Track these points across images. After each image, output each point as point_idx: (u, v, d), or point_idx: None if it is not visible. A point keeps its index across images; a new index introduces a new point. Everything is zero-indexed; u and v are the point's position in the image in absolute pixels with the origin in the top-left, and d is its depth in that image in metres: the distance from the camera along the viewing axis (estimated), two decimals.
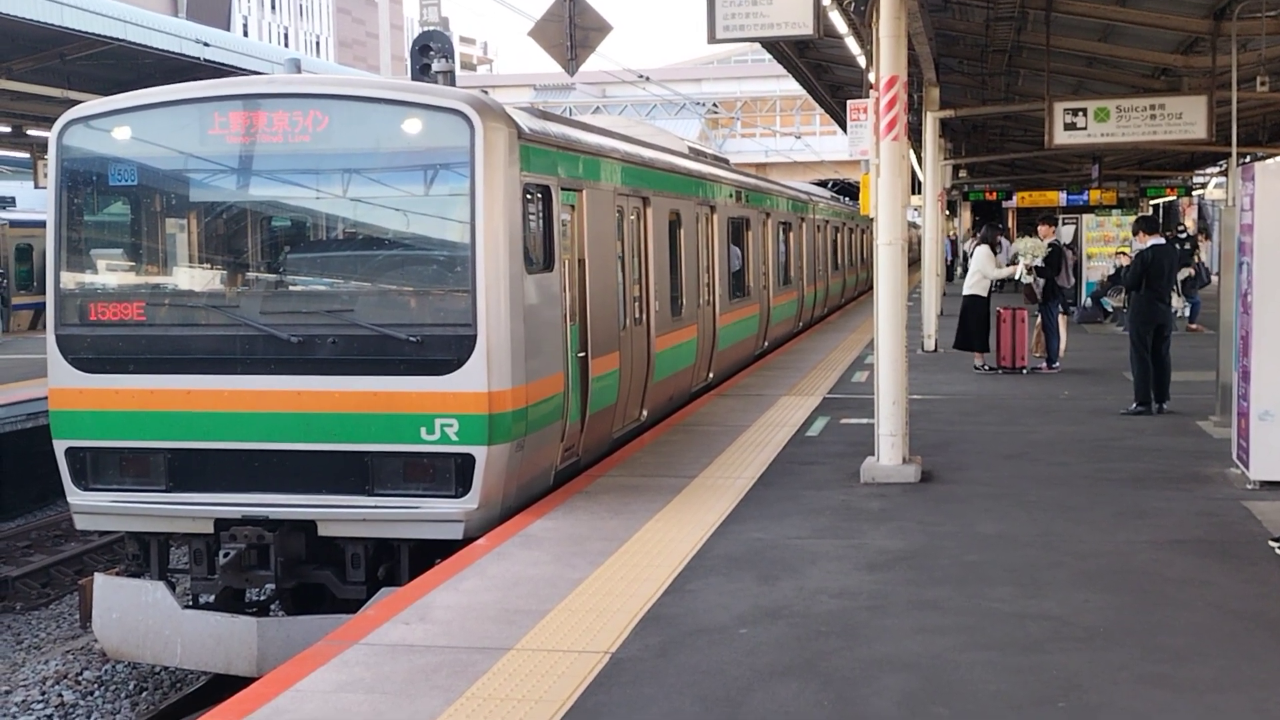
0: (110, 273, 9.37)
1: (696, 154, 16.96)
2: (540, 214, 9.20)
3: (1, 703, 9.41)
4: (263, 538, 8.30)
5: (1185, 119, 17.44)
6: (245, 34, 79.38)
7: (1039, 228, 17.80)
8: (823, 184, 42.23)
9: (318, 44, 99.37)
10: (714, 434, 12.26)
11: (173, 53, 18.43)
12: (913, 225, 38.72)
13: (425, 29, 14.62)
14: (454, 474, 8.30)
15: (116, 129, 8.86)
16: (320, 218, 9.24)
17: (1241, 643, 6.16)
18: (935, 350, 19.98)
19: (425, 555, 8.46)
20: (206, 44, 18.88)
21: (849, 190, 45.28)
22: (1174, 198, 41.15)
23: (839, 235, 31.54)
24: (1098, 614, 6.60)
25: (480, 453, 8.29)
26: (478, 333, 8.31)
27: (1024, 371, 16.99)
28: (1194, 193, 44.34)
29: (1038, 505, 9.14)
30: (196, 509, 8.53)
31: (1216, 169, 38.19)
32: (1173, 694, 5.48)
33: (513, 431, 8.48)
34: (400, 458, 8.36)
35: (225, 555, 8.27)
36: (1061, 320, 17.68)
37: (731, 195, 17.25)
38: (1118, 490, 9.61)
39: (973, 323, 17.22)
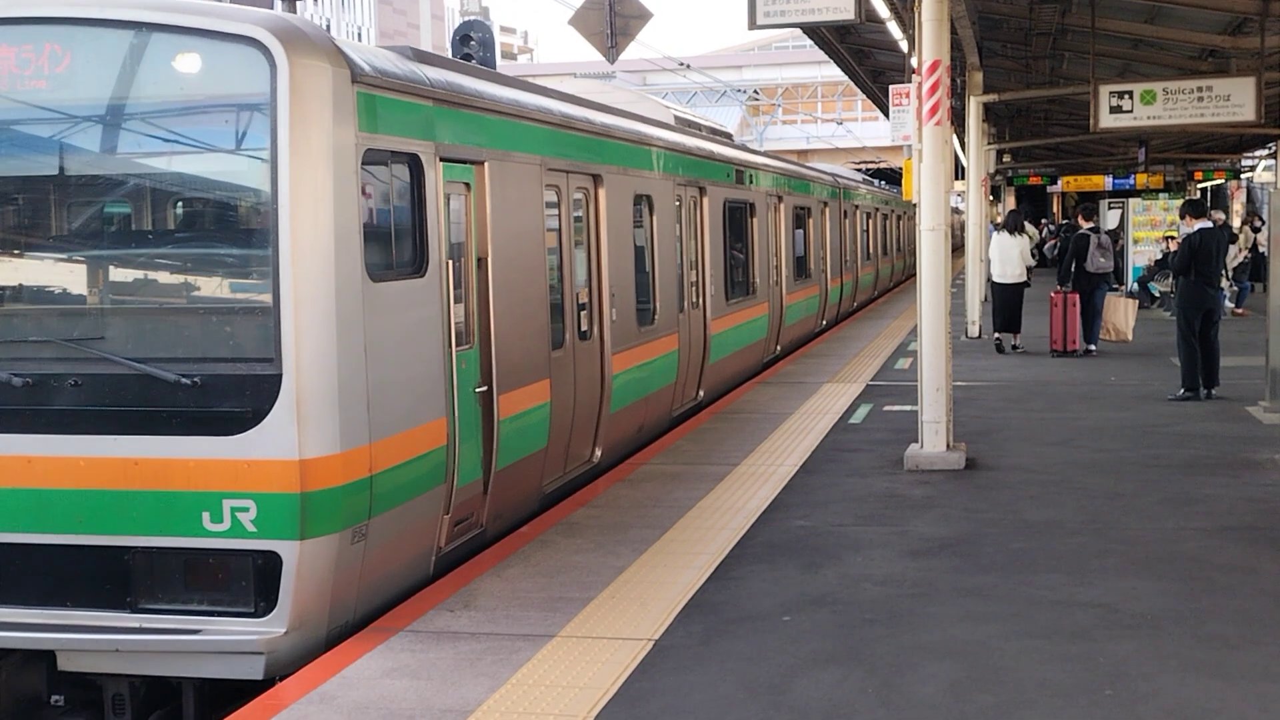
0: None
1: (685, 126, 14.30)
2: (403, 195, 6.76)
3: None
4: None
5: (1233, 101, 17.19)
6: None
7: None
8: (869, 173, 41.98)
9: (359, 35, 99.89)
10: (756, 421, 12.24)
11: None
12: (956, 211, 38.47)
13: (466, 19, 14.66)
14: (251, 582, 5.86)
15: None
16: (56, 202, 6.42)
17: None
18: (979, 337, 19.88)
19: (229, 693, 6.12)
20: None
21: (885, 176, 45.01)
22: (1222, 181, 40.58)
23: (872, 222, 28.90)
24: (1145, 601, 6.54)
25: (289, 550, 5.82)
26: (283, 371, 5.80)
27: (1078, 354, 17.34)
28: (1242, 176, 43.76)
29: (1084, 492, 9.06)
30: None
31: (1265, 151, 37.68)
32: (1222, 682, 5.43)
33: (344, 515, 6.00)
34: (174, 557, 5.90)
35: None
36: (1118, 301, 17.78)
37: (729, 175, 14.62)
38: (1166, 477, 9.51)
39: (1018, 307, 18.13)
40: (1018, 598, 6.65)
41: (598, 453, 9.89)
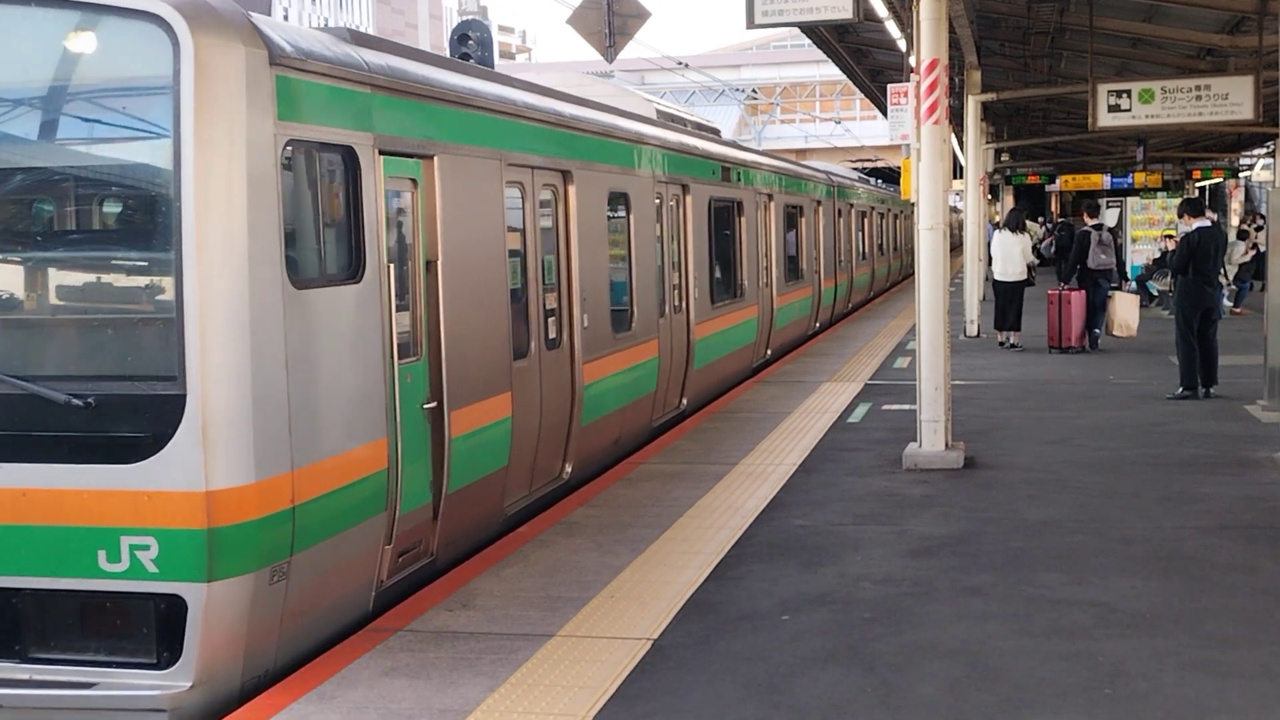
0: None
1: (669, 121, 13.65)
2: (335, 192, 6.12)
3: None
4: None
5: (1231, 100, 17.20)
6: None
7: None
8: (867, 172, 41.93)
9: None
10: (755, 420, 12.23)
11: None
12: (954, 210, 38.46)
13: (464, 18, 14.65)
14: (153, 629, 5.26)
15: None
16: None
17: None
18: (978, 335, 19.89)
19: None
20: None
21: (883, 175, 45.00)
22: (1220, 180, 40.59)
23: (868, 221, 28.23)
24: (1144, 600, 6.54)
25: (195, 593, 5.21)
26: (187, 391, 5.20)
27: (1082, 349, 17.64)
28: (1241, 174, 43.77)
29: (1083, 491, 9.06)
30: None
31: (1264, 150, 37.69)
32: (1220, 680, 5.43)
33: (260, 553, 5.37)
34: (68, 601, 5.29)
35: None
36: (1126, 297, 18.15)
37: (715, 173, 14.00)
38: (1164, 476, 9.51)
39: (1019, 305, 18.44)
40: (1017, 597, 6.65)
41: (568, 468, 9.22)
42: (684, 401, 12.57)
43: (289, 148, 5.64)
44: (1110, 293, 17.88)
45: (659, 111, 13.68)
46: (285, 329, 5.51)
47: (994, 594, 6.71)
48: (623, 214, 10.66)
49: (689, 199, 12.72)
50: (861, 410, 12.87)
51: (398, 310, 6.54)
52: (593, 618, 6.41)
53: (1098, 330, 17.89)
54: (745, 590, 6.84)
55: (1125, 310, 17.68)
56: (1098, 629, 6.11)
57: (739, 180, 15.14)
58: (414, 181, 6.83)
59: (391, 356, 6.39)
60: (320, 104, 5.91)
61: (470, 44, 13.19)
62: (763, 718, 5.14)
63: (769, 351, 17.04)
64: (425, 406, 6.83)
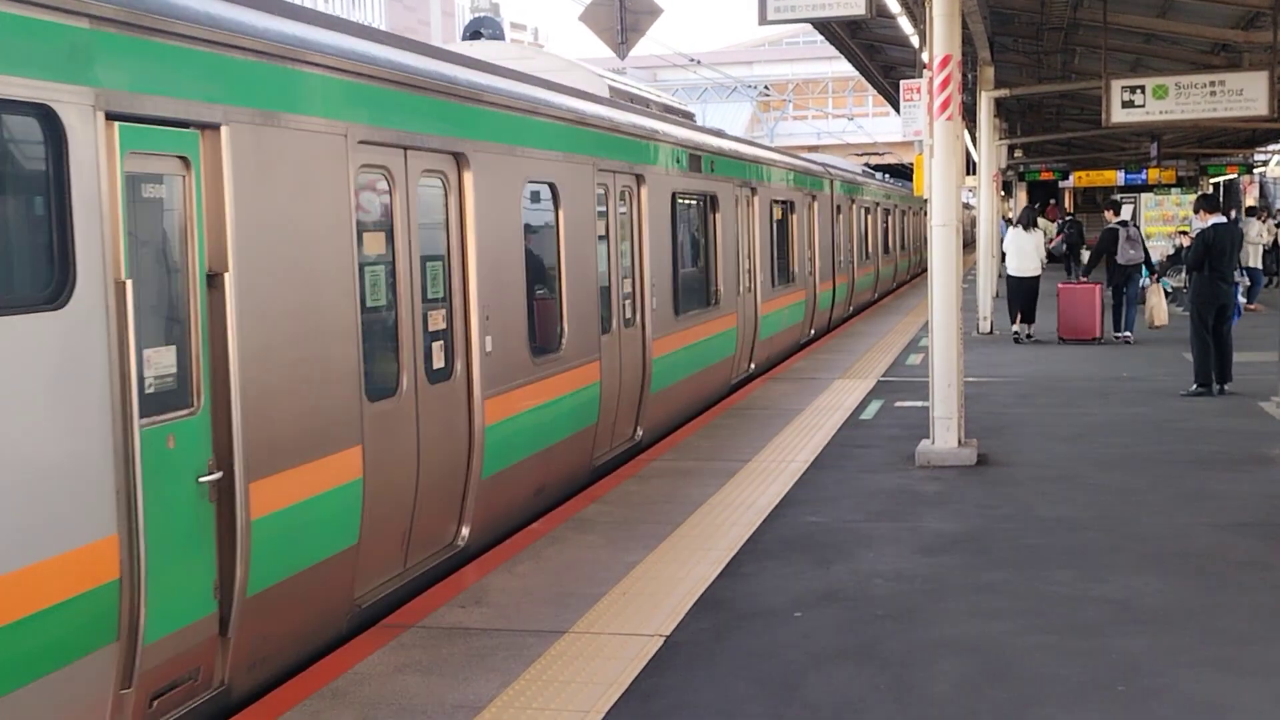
0: None
1: (625, 100, 11.83)
2: (18, 173, 4.33)
3: None
4: None
5: (1246, 95, 17.16)
6: None
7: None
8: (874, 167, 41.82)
9: None
10: (767, 417, 12.23)
11: None
12: (966, 207, 38.35)
13: (476, 15, 14.67)
14: None
15: None
16: None
17: None
18: (990, 332, 19.88)
19: None
20: None
21: (895, 171, 44.88)
22: (1235, 176, 40.47)
23: (871, 217, 26.60)
24: (1158, 597, 6.52)
25: None
26: None
27: (1115, 341, 18.37)
28: (1255, 170, 43.61)
29: (1096, 488, 9.04)
30: None
31: (1278, 146, 37.55)
32: (1235, 678, 5.41)
33: None
34: None
35: None
36: (1152, 290, 18.53)
37: (681, 161, 12.11)
38: (1178, 473, 9.49)
39: (1034, 299, 18.93)
40: (1030, 594, 6.64)
41: (463, 532, 7.43)
42: (639, 432, 10.77)
43: None
44: (1143, 285, 18.53)
45: (612, 89, 11.84)
46: None
47: (1007, 591, 6.70)
48: (549, 208, 8.90)
49: (644, 191, 10.92)
50: (874, 407, 12.86)
51: (153, 345, 4.83)
52: (605, 614, 6.42)
53: (1130, 332, 18.38)
54: (758, 587, 6.84)
55: (1158, 301, 18.14)
56: (1111, 626, 6.10)
57: (713, 170, 13.30)
58: (185, 162, 5.01)
59: (127, 412, 4.55)
60: None
61: (482, 40, 13.21)
62: (775, 714, 5.14)
63: (752, 365, 15.27)
64: (203, 480, 5.04)
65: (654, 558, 7.41)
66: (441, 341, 7.18)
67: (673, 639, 6.04)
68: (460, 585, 6.97)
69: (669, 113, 13.40)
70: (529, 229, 8.45)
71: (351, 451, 6.07)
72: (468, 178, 7.44)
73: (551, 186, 8.92)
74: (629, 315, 10.59)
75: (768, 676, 5.55)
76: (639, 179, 10.88)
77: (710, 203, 13.42)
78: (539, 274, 8.78)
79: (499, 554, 7.57)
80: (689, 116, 14.83)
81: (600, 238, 9.89)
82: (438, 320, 7.14)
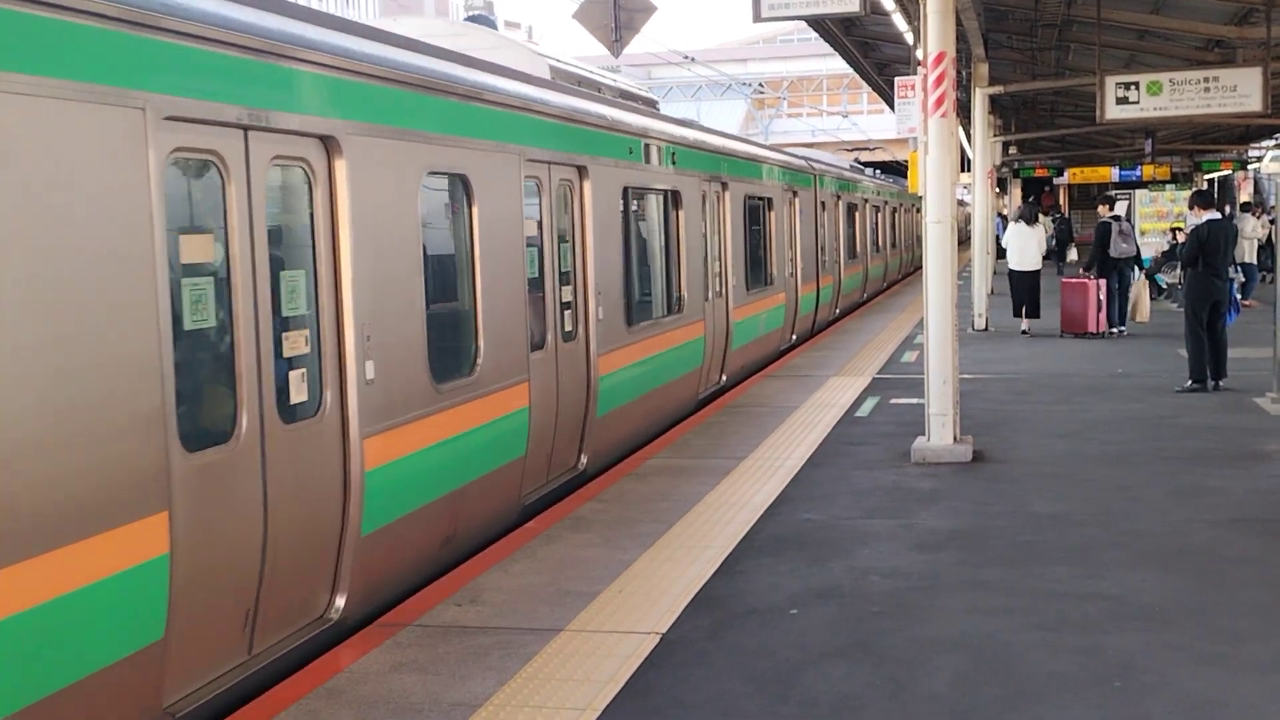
0: None
1: (570, 82, 10.70)
2: None
3: None
4: None
5: (1240, 91, 17.17)
6: None
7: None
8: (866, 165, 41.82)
9: None
10: (762, 415, 12.22)
11: None
12: (961, 204, 38.35)
13: (471, 13, 14.64)
14: None
15: None
16: None
17: None
18: (986, 329, 19.93)
19: None
20: None
21: (890, 169, 44.90)
22: (1229, 172, 40.52)
23: (860, 215, 25.61)
24: (1154, 594, 6.52)
25: None
26: None
27: (1107, 335, 18.68)
28: (1249, 166, 43.66)
29: (1092, 484, 9.04)
30: None
31: (1272, 142, 37.60)
32: (1231, 674, 5.41)
33: None
34: None
35: None
36: (1138, 285, 19.07)
37: (634, 153, 10.81)
38: (1174, 469, 9.49)
39: (1036, 293, 19.50)
40: (1026, 590, 6.64)
41: (337, 602, 6.15)
42: (584, 460, 9.60)
43: None
44: (1133, 280, 18.95)
45: (555, 69, 10.62)
46: None
47: (1003, 588, 6.70)
48: (460, 205, 7.65)
49: (587, 186, 9.60)
50: (869, 404, 12.86)
51: None
52: (601, 612, 6.41)
53: (1123, 328, 18.70)
54: (753, 584, 6.84)
55: (1142, 295, 18.69)
56: (1107, 622, 6.10)
57: (674, 163, 12.05)
58: None
59: None
60: None
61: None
62: (771, 711, 5.14)
63: (723, 377, 14.05)
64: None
65: (650, 555, 7.40)
66: (303, 369, 5.86)
67: (669, 637, 6.04)
68: (456, 584, 6.96)
69: (626, 99, 12.11)
70: (430, 230, 7.10)
71: (149, 521, 4.68)
72: (340, 166, 6.07)
73: (462, 179, 7.54)
74: (569, 328, 9.28)
75: (764, 674, 5.55)
76: (581, 171, 9.53)
77: (672, 199, 12.17)
78: (444, 284, 7.50)
79: (495, 553, 7.56)
80: (651, 104, 13.47)
81: (530, 239, 8.57)
82: (297, 343, 5.83)
